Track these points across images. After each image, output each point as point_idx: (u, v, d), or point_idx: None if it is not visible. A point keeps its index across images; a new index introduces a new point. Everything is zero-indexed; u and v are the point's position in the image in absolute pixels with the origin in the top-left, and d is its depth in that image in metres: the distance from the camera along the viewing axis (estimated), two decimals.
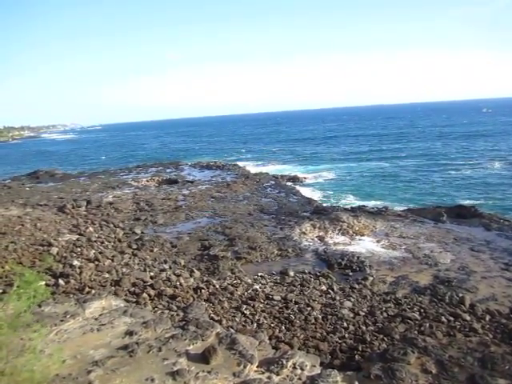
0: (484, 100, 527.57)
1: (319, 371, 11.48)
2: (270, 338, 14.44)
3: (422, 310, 16.27)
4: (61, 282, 19.09)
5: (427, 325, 15.04)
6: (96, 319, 13.26)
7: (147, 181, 50.78)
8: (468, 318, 15.49)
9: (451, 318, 15.52)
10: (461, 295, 17.13)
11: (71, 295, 17.34)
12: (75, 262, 21.50)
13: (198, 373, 10.48)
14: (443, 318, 15.53)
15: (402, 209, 33.73)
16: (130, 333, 12.33)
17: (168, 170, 59.33)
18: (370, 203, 36.82)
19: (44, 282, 17.24)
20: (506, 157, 60.11)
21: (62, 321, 12.84)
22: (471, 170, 52.15)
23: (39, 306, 13.14)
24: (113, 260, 22.44)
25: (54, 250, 23.33)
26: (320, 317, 16.07)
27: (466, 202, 34.66)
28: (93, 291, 18.00)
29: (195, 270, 20.94)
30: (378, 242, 25.10)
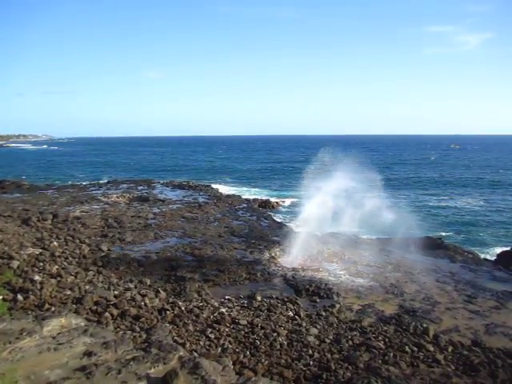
0: (453, 136, 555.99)
1: None
2: (234, 364, 14.09)
3: (387, 340, 16.31)
4: (19, 297, 18.24)
5: (391, 354, 15.08)
6: (54, 338, 12.68)
7: (117, 197, 49.85)
8: (431, 348, 15.64)
9: (415, 349, 15.62)
10: (425, 326, 17.32)
11: (29, 311, 16.55)
12: (36, 277, 20.66)
13: None
14: (407, 348, 15.62)
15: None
16: (88, 353, 11.82)
17: (140, 188, 58.44)
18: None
19: (1, 297, 16.50)
20: (478, 192, 62.17)
21: (17, 338, 12.22)
22: (440, 203, 53.53)
23: None
24: (76, 277, 21.69)
25: (15, 264, 22.38)
26: (285, 343, 15.88)
27: (433, 234, 35.40)
28: (53, 308, 17.27)
29: (161, 291, 20.46)
30: (346, 269, 25.27)
